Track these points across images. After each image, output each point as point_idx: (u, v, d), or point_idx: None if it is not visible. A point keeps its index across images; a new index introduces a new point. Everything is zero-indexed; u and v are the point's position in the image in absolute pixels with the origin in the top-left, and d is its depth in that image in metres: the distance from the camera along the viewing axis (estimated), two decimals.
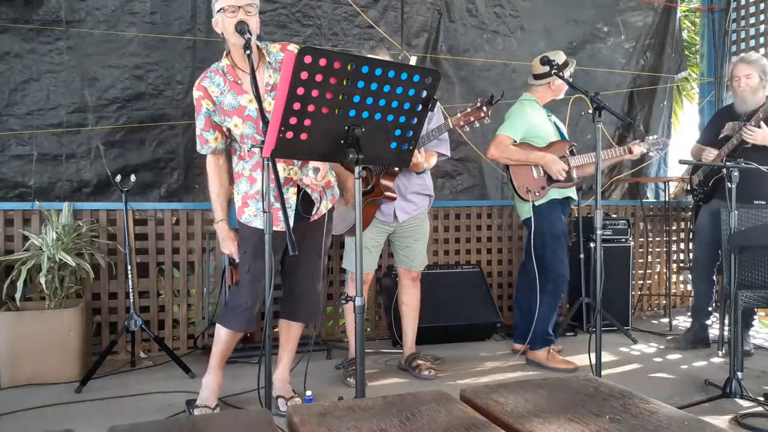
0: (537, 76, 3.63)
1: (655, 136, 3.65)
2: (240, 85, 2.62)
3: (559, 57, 3.56)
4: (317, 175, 2.59)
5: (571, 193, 3.63)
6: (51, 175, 3.80)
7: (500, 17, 4.87)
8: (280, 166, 2.67)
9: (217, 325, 2.82)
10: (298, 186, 2.72)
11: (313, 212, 2.78)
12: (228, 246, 2.79)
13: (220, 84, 2.62)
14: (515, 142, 3.54)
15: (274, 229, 2.67)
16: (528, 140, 3.56)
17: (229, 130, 2.69)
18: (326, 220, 2.84)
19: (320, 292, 2.94)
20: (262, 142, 2.06)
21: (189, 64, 4.05)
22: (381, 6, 4.50)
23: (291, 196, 2.70)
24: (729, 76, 3.84)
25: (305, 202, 2.74)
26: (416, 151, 3.08)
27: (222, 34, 2.61)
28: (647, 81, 5.38)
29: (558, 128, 3.70)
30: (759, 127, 3.54)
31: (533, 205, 3.54)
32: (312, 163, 2.61)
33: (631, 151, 3.55)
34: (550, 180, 3.52)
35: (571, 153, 3.57)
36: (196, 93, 2.65)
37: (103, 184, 3.89)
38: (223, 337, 2.79)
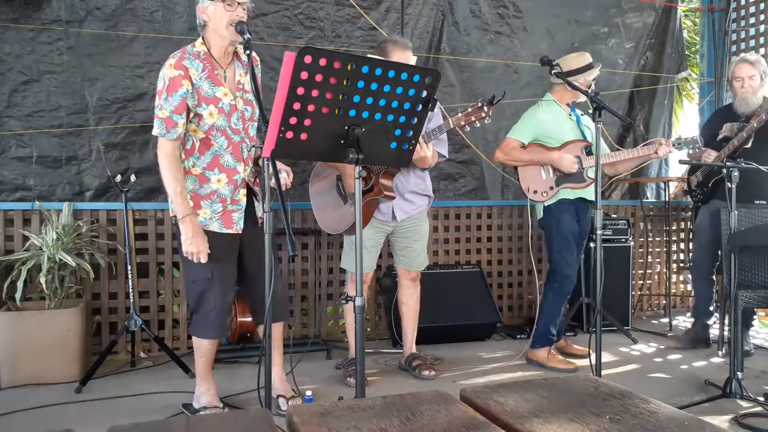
0: (557, 74, 3.59)
1: (693, 135, 3.54)
2: (217, 75, 2.60)
3: (584, 59, 3.54)
4: (289, 177, 2.63)
5: (585, 194, 3.57)
6: (52, 178, 3.79)
7: (503, 18, 4.86)
8: (241, 166, 2.68)
9: (194, 337, 2.79)
10: (248, 187, 2.73)
11: (259, 215, 2.77)
12: (198, 243, 2.57)
13: (199, 68, 2.57)
14: (523, 144, 3.55)
15: (229, 231, 2.68)
16: (540, 141, 3.56)
17: (196, 117, 2.59)
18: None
19: (284, 290, 2.90)
20: (262, 141, 2.06)
21: None
22: (383, 8, 4.49)
23: (242, 198, 2.71)
24: (730, 76, 3.83)
25: (251, 205, 2.75)
26: (426, 145, 3.08)
27: (206, 21, 2.57)
28: (648, 81, 5.38)
29: (581, 127, 3.62)
30: (755, 129, 3.54)
31: (544, 205, 3.56)
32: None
33: (656, 152, 3.44)
34: (560, 181, 3.52)
35: (589, 153, 3.54)
36: (174, 72, 2.51)
37: (104, 187, 3.87)
38: (205, 347, 2.76)
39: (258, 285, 2.75)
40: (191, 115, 2.59)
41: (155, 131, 2.56)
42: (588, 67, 3.53)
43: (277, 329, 2.92)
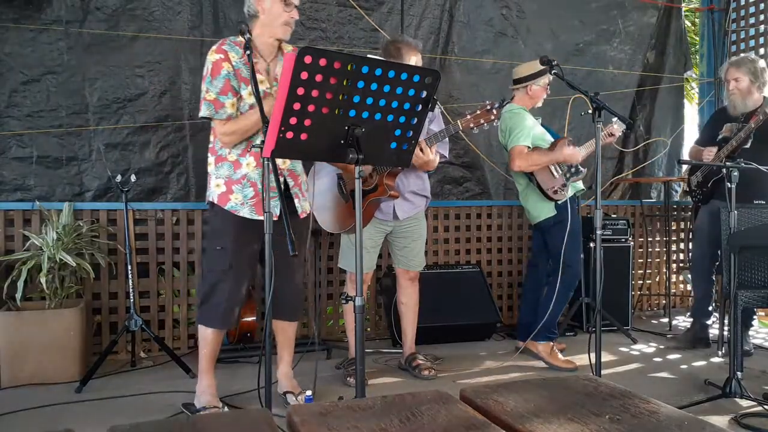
0: (515, 81, 3.70)
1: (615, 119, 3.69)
2: (255, 64, 2.64)
3: (536, 65, 3.57)
4: None
5: (578, 185, 3.69)
6: (51, 178, 3.78)
7: (507, 19, 4.85)
8: None
9: (200, 326, 2.81)
10: (284, 177, 2.76)
11: (299, 209, 2.80)
12: None
13: (239, 54, 2.65)
14: (529, 148, 3.59)
15: (261, 218, 2.64)
16: (535, 145, 3.62)
17: (239, 98, 2.68)
18: (309, 222, 2.89)
19: (303, 288, 2.93)
20: (262, 142, 2.06)
21: (195, 63, 4.01)
22: (386, 9, 4.49)
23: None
24: (723, 79, 3.85)
25: (286, 196, 2.76)
26: (428, 149, 3.09)
27: (258, 13, 2.66)
28: (651, 81, 5.38)
29: (548, 130, 3.75)
30: (754, 130, 3.55)
31: (556, 204, 3.59)
32: None
33: (612, 134, 3.62)
34: (568, 176, 3.56)
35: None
36: (215, 56, 2.64)
37: (104, 187, 3.87)
38: (209, 337, 2.78)
39: (279, 279, 2.76)
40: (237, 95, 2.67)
41: (204, 113, 2.66)
42: (541, 73, 3.59)
43: (291, 328, 2.97)
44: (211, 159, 2.78)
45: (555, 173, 3.57)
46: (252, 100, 2.63)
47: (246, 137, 2.68)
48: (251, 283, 2.88)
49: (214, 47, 2.69)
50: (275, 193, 2.66)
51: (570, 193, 3.62)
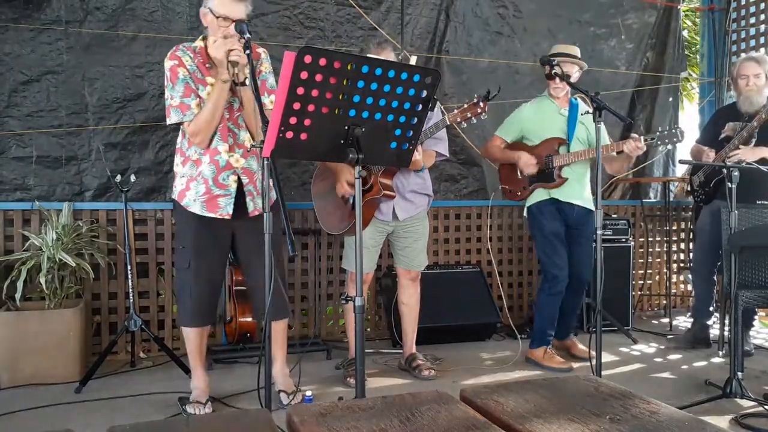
0: None
1: (674, 128, 3.25)
2: (208, 69, 2.70)
3: (572, 50, 3.57)
4: None
5: (558, 194, 3.53)
6: (51, 178, 3.78)
7: (504, 18, 4.84)
8: (223, 147, 2.72)
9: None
10: (238, 175, 2.76)
11: (249, 207, 2.80)
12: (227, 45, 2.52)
13: (191, 58, 2.70)
14: (507, 142, 3.63)
15: (212, 215, 2.72)
16: (526, 140, 3.61)
17: (198, 99, 2.69)
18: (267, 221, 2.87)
19: (282, 286, 2.92)
20: (262, 141, 2.06)
21: None
22: (384, 7, 4.48)
23: (231, 183, 2.75)
24: (735, 74, 3.79)
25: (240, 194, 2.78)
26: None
27: (205, 25, 2.72)
28: (650, 81, 5.38)
29: (574, 122, 3.56)
30: (756, 129, 3.53)
31: (526, 206, 3.63)
32: None
33: (638, 147, 3.22)
34: (532, 180, 3.56)
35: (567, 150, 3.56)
36: (170, 62, 2.67)
37: (104, 187, 3.87)
38: (187, 335, 2.87)
39: (253, 279, 2.84)
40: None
41: (173, 120, 2.69)
42: (542, 64, 3.51)
43: (278, 327, 2.98)
44: (178, 159, 2.83)
45: (519, 173, 3.59)
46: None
47: (212, 130, 2.68)
48: (221, 281, 2.91)
49: (168, 54, 2.72)
50: (226, 191, 2.73)
51: (539, 197, 3.56)
